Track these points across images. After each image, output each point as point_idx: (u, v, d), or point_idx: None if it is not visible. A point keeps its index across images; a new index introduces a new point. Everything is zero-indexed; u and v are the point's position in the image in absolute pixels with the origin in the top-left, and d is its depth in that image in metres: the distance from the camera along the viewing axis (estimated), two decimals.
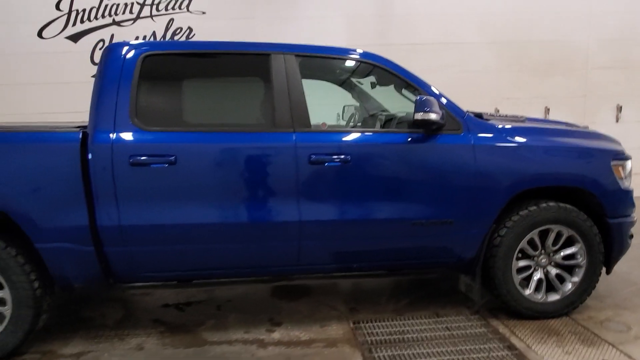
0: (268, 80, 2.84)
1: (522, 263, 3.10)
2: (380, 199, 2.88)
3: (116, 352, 2.84)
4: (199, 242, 2.77)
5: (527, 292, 3.10)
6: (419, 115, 2.68)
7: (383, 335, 2.99)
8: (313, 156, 2.76)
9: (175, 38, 6.34)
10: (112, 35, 6.25)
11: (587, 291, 3.18)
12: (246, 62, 2.94)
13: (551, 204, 3.05)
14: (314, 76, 3.37)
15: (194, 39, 6.34)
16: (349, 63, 3.09)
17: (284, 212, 2.78)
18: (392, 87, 3.32)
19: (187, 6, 6.31)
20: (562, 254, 3.13)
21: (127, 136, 2.65)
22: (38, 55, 6.21)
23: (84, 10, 6.21)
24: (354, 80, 3.76)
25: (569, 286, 3.15)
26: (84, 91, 5.99)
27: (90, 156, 2.62)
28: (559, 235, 3.09)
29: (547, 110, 6.80)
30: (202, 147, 2.71)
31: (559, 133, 3.28)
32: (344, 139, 2.88)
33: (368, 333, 3.03)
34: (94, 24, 6.24)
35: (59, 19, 6.19)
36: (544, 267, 3.14)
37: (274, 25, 6.40)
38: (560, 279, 3.16)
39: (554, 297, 3.15)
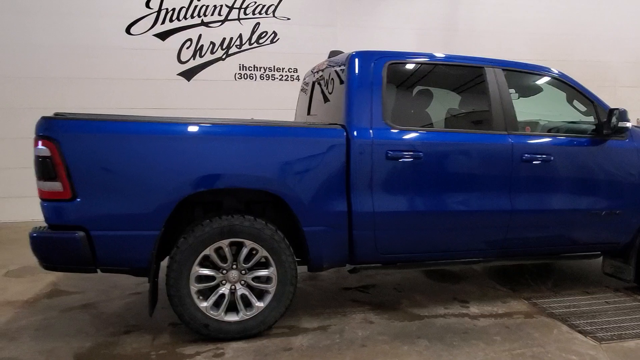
0: (485, 89, 3.31)
1: None
2: (570, 192, 3.44)
3: (353, 325, 3.18)
4: (432, 228, 3.19)
5: None
6: (622, 123, 3.27)
7: (562, 309, 3.53)
8: (525, 155, 3.26)
9: (261, 41, 6.61)
10: (200, 36, 6.44)
11: None
12: (467, 72, 3.40)
13: None
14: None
15: (278, 43, 6.65)
16: (538, 77, 3.61)
17: (501, 203, 3.26)
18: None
19: (273, 12, 6.61)
20: None
21: (384, 134, 3.03)
22: (124, 51, 6.28)
23: (173, 10, 6.35)
24: None
25: None
26: (168, 88, 6.22)
27: (352, 150, 2.97)
28: None
29: None
30: (443, 145, 3.15)
31: None
32: (547, 141, 3.41)
33: (548, 307, 3.55)
34: (183, 23, 6.39)
35: (148, 16, 6.30)
36: None
37: (353, 33, 6.84)
38: None
39: None
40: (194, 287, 2.83)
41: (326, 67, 3.63)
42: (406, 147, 3.05)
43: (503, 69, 3.40)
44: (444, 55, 3.37)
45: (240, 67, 6.60)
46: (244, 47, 6.58)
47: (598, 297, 3.78)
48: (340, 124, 3.07)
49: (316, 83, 3.89)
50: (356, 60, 3.14)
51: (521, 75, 3.53)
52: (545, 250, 3.62)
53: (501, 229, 3.33)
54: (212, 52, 6.51)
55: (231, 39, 6.54)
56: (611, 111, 3.39)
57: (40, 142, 2.60)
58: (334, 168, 2.96)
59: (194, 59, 6.47)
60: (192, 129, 2.81)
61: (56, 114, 2.73)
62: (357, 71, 3.11)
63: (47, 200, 2.63)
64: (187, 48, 6.44)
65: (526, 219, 3.36)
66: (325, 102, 3.63)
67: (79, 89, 6.14)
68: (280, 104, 6.62)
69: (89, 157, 2.62)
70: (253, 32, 6.59)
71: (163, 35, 6.35)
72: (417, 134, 3.13)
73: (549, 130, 3.81)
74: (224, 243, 2.84)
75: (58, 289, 3.82)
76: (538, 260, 3.83)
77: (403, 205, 3.09)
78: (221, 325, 2.88)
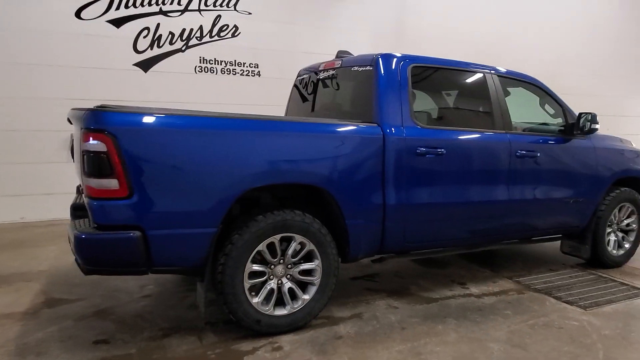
0: (487, 92, 3.71)
1: (608, 230, 4.51)
2: (550, 183, 3.99)
3: (382, 311, 3.38)
4: (452, 217, 3.52)
5: (610, 249, 4.52)
6: (594, 126, 3.87)
7: (541, 285, 4.08)
8: (519, 152, 3.73)
9: (222, 34, 6.46)
10: (158, 25, 6.11)
11: (636, 248, 4.73)
12: (472, 77, 3.76)
13: (625, 189, 4.51)
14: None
15: (239, 37, 6.55)
16: (520, 83, 4.09)
17: (503, 193, 3.69)
18: None
19: (235, 5, 6.49)
20: (625, 222, 4.63)
21: (413, 132, 3.26)
22: (73, 37, 5.75)
23: None
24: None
25: (628, 245, 4.67)
26: (124, 79, 5.90)
27: (387, 146, 3.16)
28: (627, 208, 4.57)
29: None
30: (460, 142, 3.48)
31: (620, 140, 4.77)
32: (533, 139, 3.90)
33: (530, 284, 4.08)
34: (139, 10, 6.02)
35: (101, 0, 5.81)
36: (615, 232, 4.60)
37: (311, 32, 6.98)
38: (624, 239, 4.65)
39: (621, 252, 4.63)
40: (247, 284, 2.82)
41: (341, 66, 3.76)
42: (432, 144, 3.32)
43: (498, 75, 3.83)
44: (455, 61, 3.70)
45: (200, 59, 6.38)
46: (204, 40, 6.37)
47: (562, 273, 4.42)
48: (372, 122, 3.23)
49: (323, 81, 4.00)
50: (386, 61, 3.33)
51: (508, 81, 3.98)
52: (527, 234, 4.15)
53: (501, 216, 3.77)
54: (171, 43, 6.20)
55: (191, 30, 6.29)
56: (580, 115, 4.00)
57: (91, 137, 2.41)
58: (373, 163, 3.13)
59: (151, 49, 6.11)
60: (254, 124, 2.79)
61: (102, 106, 2.53)
62: (387, 72, 3.30)
63: (99, 199, 2.45)
64: (144, 37, 6.06)
65: (519, 207, 3.84)
66: (339, 100, 3.77)
67: (21, 75, 5.49)
68: (241, 99, 6.56)
69: (147, 153, 2.48)
70: (214, 25, 6.40)
71: (118, 22, 5.90)
72: (440, 132, 3.42)
73: (523, 130, 4.35)
74: (276, 238, 2.87)
75: (53, 297, 3.47)
76: (518, 244, 4.34)
77: (429, 197, 3.36)
78: (272, 319, 2.91)
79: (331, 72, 3.90)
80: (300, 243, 2.96)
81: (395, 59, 3.36)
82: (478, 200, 3.58)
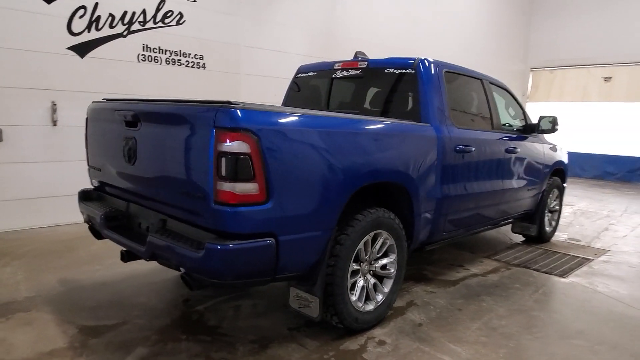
0: (487, 97, 4.23)
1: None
2: (524, 174, 4.72)
3: (428, 297, 3.65)
4: (478, 206, 3.99)
5: (547, 228, 5.53)
6: (556, 127, 4.68)
7: (516, 260, 4.80)
8: (508, 147, 4.36)
9: (166, 21, 5.90)
10: (96, 4, 5.31)
11: (557, 224, 5.85)
12: (479, 84, 4.21)
13: (555, 177, 5.54)
14: None
15: (184, 26, 6.06)
16: (496, 88, 4.68)
17: (502, 184, 4.27)
18: None
19: None
20: (553, 204, 5.69)
21: (452, 131, 3.59)
22: None
23: None
24: None
25: (554, 223, 5.75)
26: (56, 64, 5.25)
27: (438, 145, 3.44)
28: (555, 192, 5.62)
29: None
30: (482, 141, 3.92)
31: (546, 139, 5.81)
32: (514, 137, 4.55)
33: (507, 261, 4.77)
34: None
35: None
36: (547, 213, 5.62)
37: (254, 24, 6.79)
38: (552, 218, 5.72)
39: (550, 228, 5.68)
40: (349, 283, 2.82)
41: (367, 67, 3.88)
42: (465, 142, 3.69)
43: (489, 82, 4.39)
44: (467, 69, 4.11)
45: (144, 47, 5.71)
46: (148, 25, 5.72)
47: (519, 250, 5.25)
48: (424, 123, 3.46)
49: (342, 80, 4.07)
50: (427, 66, 3.57)
51: (492, 86, 4.56)
52: (507, 218, 4.82)
53: (499, 204, 4.36)
54: (111, 26, 5.43)
55: (134, 13, 5.59)
56: (541, 117, 4.81)
57: (229, 138, 2.17)
58: (432, 161, 3.37)
59: (88, 32, 5.27)
60: (367, 125, 2.79)
61: (232, 103, 2.27)
62: (429, 75, 3.55)
63: (235, 205, 2.22)
64: (81, 17, 5.19)
65: (510, 194, 4.48)
66: (367, 99, 3.92)
67: None
68: (185, 93, 6.11)
69: (285, 154, 2.34)
70: (158, 10, 5.79)
71: None
72: (468, 132, 3.81)
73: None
74: (370, 235, 2.93)
75: (85, 325, 2.91)
76: (492, 228, 5.01)
77: (463, 189, 3.74)
78: (364, 316, 2.96)
79: (353, 72, 4.00)
80: (386, 239, 3.06)
81: (432, 64, 3.63)
82: (490, 191, 4.10)
